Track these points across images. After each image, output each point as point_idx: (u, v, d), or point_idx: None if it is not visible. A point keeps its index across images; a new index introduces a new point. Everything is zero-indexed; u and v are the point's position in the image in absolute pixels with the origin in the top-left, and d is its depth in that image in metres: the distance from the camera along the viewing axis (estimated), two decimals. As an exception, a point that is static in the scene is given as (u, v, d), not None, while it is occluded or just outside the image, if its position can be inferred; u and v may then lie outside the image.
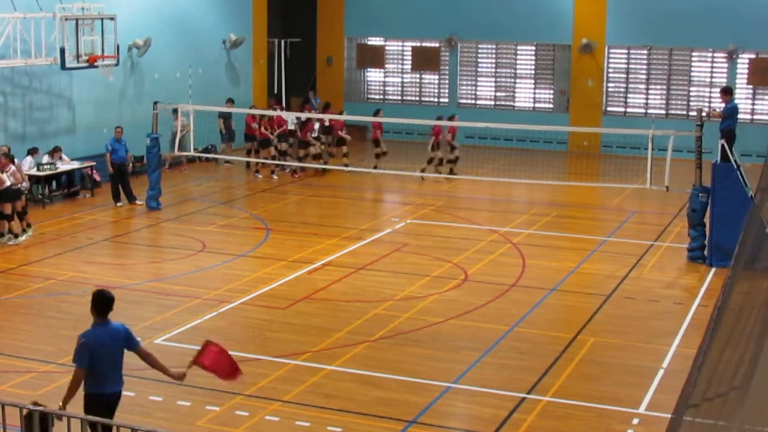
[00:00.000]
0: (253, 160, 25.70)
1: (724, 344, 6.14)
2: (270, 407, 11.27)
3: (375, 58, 33.04)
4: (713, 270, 17.06)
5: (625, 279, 16.64)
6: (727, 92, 18.85)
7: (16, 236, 18.38)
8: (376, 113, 25.81)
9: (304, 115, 26.27)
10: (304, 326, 14.03)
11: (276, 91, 30.55)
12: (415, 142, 28.71)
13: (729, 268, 12.30)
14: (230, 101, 27.17)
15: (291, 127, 26.64)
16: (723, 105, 18.57)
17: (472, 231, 19.99)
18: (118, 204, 21.69)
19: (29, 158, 21.38)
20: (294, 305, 14.94)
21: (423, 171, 24.87)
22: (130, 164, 22.47)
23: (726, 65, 28.80)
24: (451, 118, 25.36)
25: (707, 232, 17.59)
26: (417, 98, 32.65)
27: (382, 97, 33.11)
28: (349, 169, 24.62)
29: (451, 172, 25.26)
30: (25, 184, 19.36)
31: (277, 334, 13.72)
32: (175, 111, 24.18)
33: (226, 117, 27.45)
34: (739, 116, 19.20)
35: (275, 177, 25.26)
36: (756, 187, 15.30)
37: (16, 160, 19.60)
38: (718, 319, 6.50)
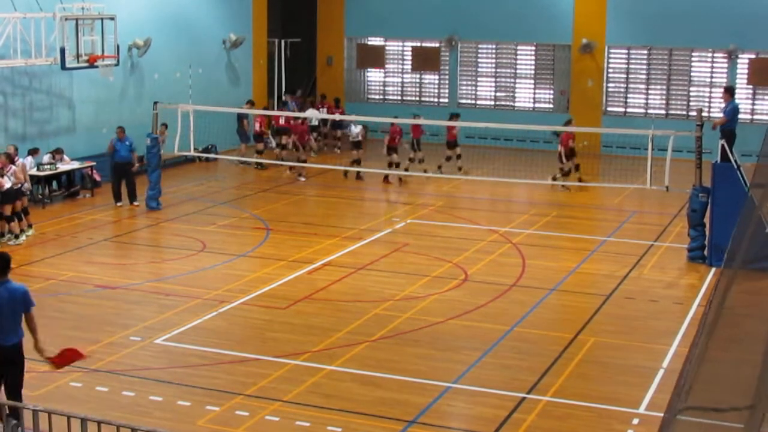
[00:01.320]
0: (255, 160, 25.71)
1: (737, 346, 6.12)
2: (270, 407, 11.28)
3: (375, 58, 33.03)
4: (713, 270, 17.04)
5: (625, 279, 16.64)
6: (729, 92, 18.84)
7: (17, 236, 18.39)
8: (452, 117, 24.90)
9: (326, 116, 26.38)
10: (304, 326, 14.04)
11: (277, 91, 30.57)
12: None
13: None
14: (250, 103, 27.41)
15: (314, 123, 26.92)
16: (723, 104, 18.56)
17: (472, 231, 19.99)
18: (119, 204, 21.68)
19: (30, 158, 21.36)
20: (294, 305, 14.95)
21: (554, 179, 23.84)
22: (136, 164, 22.29)
23: (726, 65, 28.78)
24: (568, 123, 24.87)
25: (707, 232, 17.60)
26: (417, 98, 32.64)
27: (382, 97, 33.11)
28: (428, 175, 24.39)
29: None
30: (27, 185, 19.35)
31: (277, 334, 13.73)
32: (164, 125, 23.99)
33: (245, 118, 27.66)
34: (739, 116, 19.20)
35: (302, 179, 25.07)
36: (751, 183, 15.27)
37: (20, 160, 19.63)
38: (717, 318, 6.48)
